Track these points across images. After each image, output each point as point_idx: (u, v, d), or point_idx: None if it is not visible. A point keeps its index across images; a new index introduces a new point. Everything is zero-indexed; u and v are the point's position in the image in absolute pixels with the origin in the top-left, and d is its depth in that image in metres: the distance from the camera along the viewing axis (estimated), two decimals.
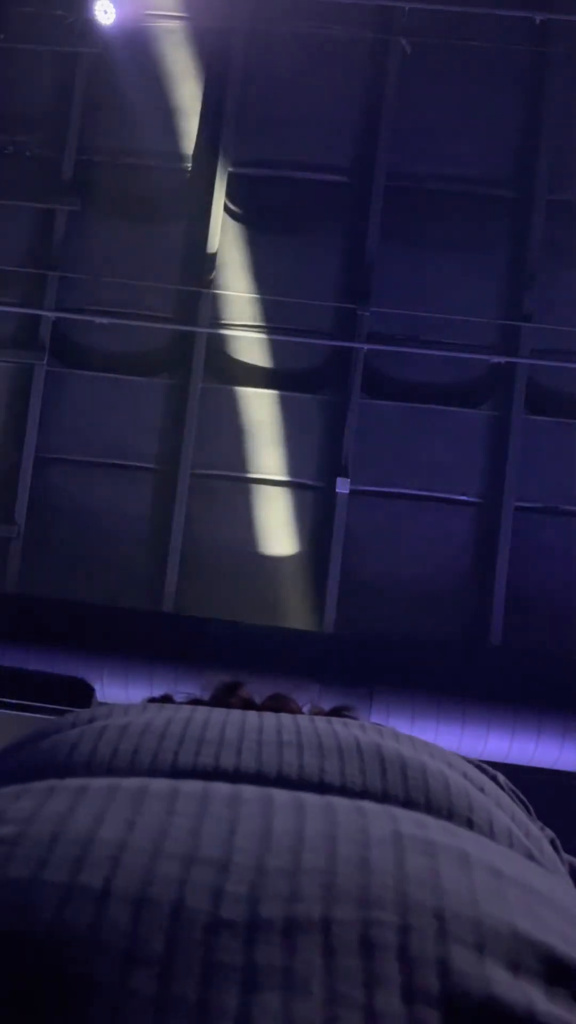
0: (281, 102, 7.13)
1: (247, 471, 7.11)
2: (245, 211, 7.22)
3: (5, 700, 6.46)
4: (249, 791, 0.44)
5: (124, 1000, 0.32)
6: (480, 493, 6.98)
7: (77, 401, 7.24)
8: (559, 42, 6.92)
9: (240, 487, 7.12)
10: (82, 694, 6.43)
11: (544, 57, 6.98)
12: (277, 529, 7.05)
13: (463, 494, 7.00)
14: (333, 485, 6.95)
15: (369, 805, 0.44)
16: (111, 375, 7.20)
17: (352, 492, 6.95)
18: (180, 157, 7.27)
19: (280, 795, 0.44)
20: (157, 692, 0.71)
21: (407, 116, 7.07)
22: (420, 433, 7.02)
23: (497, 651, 6.71)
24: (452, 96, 7.05)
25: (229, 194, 7.22)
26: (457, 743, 6.10)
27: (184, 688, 0.70)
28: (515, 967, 0.34)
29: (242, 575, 6.96)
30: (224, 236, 7.20)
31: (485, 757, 6.10)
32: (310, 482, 7.09)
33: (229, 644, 6.35)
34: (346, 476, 6.93)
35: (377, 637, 6.68)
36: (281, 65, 7.07)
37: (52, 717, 0.58)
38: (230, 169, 7.22)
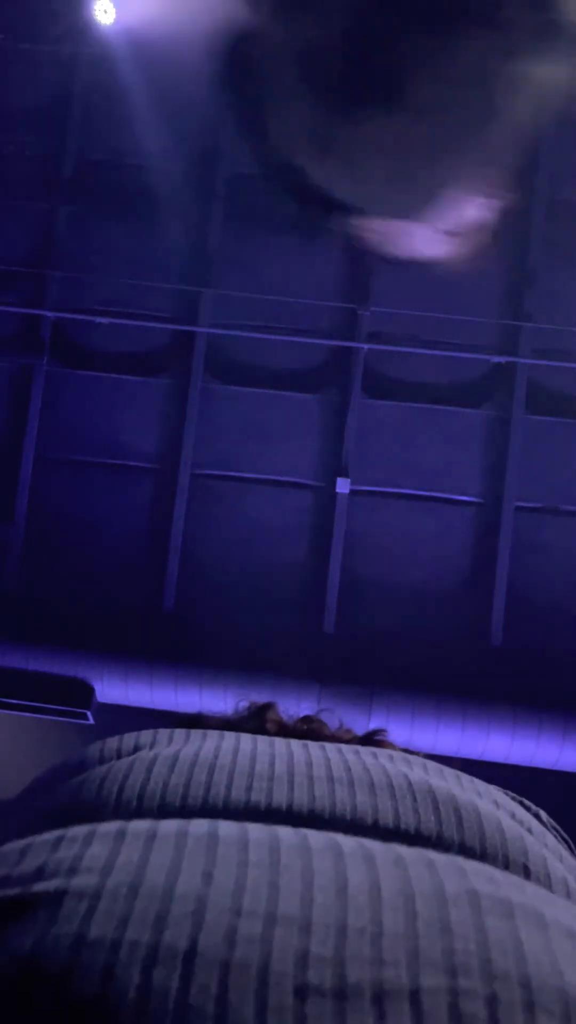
0: None
1: (247, 471, 7.11)
2: (245, 211, 7.21)
3: (5, 700, 6.47)
4: (315, 838, 0.43)
5: None
6: (480, 493, 6.98)
7: (77, 401, 7.23)
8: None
9: (240, 487, 7.12)
10: (82, 694, 6.44)
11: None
12: (277, 529, 7.05)
13: (463, 494, 7.01)
14: (333, 485, 6.95)
15: (435, 856, 0.43)
16: (111, 375, 7.20)
17: (352, 492, 6.95)
18: (180, 156, 7.25)
19: (347, 843, 0.42)
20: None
21: None
22: (420, 433, 7.02)
23: (497, 651, 6.71)
24: None
25: (229, 194, 7.21)
26: (457, 743, 6.11)
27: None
28: None
29: (242, 575, 6.96)
30: (224, 236, 7.20)
31: (485, 757, 6.11)
32: (310, 482, 7.09)
33: (229, 644, 6.36)
34: (346, 476, 6.92)
35: (377, 637, 6.69)
36: None
37: (75, 752, 0.57)
38: (230, 168, 7.21)
